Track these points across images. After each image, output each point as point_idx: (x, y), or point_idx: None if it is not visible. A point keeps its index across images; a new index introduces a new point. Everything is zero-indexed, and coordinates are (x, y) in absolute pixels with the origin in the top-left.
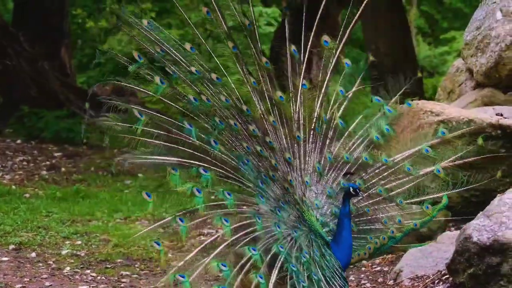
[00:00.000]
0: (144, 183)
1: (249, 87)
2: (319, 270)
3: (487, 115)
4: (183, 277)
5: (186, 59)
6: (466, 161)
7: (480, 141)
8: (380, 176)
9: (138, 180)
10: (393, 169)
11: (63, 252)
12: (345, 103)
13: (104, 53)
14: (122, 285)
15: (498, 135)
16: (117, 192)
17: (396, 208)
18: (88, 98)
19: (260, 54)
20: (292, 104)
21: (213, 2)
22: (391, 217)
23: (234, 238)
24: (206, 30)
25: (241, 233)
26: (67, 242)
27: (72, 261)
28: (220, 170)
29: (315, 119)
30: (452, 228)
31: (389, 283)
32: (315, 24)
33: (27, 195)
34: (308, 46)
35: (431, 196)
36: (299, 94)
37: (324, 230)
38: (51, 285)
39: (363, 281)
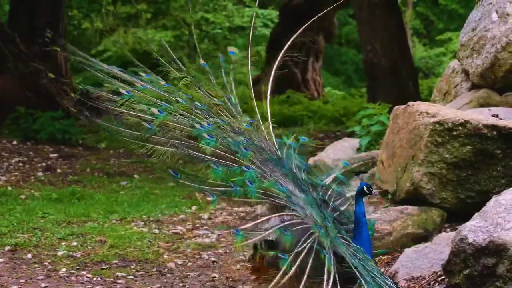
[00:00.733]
0: (140, 184)
1: None
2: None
3: (483, 116)
4: None
5: None
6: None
7: None
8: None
9: (134, 181)
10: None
11: (59, 253)
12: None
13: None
14: (118, 286)
15: (494, 136)
16: (113, 193)
17: None
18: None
19: None
20: None
21: None
22: None
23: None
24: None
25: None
26: (63, 243)
27: (68, 262)
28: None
29: None
30: (448, 229)
31: None
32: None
33: (23, 196)
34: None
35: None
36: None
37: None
38: (46, 286)
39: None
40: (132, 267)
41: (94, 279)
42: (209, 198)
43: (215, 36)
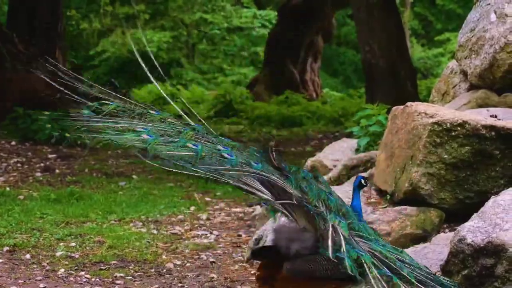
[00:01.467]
0: (138, 185)
1: None
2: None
3: (481, 116)
4: None
5: None
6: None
7: None
8: None
9: (132, 181)
10: None
11: (58, 254)
12: None
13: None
14: (116, 287)
15: (492, 136)
16: (111, 193)
17: None
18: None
19: None
20: None
21: None
22: None
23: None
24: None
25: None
26: (62, 243)
27: (67, 262)
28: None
29: None
30: (447, 230)
31: None
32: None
33: (21, 196)
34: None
35: None
36: None
37: None
38: (45, 286)
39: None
40: (130, 267)
41: (93, 279)
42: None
43: (214, 37)
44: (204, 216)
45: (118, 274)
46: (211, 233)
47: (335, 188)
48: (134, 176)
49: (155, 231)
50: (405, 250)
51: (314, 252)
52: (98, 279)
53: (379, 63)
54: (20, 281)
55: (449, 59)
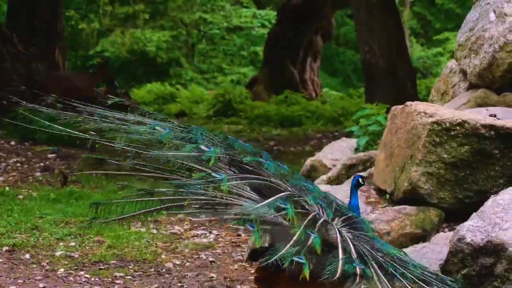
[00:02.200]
0: (138, 185)
1: None
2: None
3: (480, 116)
4: None
5: None
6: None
7: None
8: None
9: (132, 181)
10: None
11: (57, 254)
12: None
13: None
14: (116, 287)
15: (492, 136)
16: (111, 193)
17: None
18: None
19: None
20: None
21: None
22: None
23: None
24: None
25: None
26: (61, 243)
27: (66, 262)
28: None
29: None
30: (446, 229)
31: None
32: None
33: (21, 196)
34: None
35: None
36: None
37: None
38: (45, 286)
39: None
40: (130, 267)
41: (92, 279)
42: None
43: (213, 36)
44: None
45: (117, 274)
46: (210, 232)
47: (334, 188)
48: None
49: (154, 231)
50: (405, 249)
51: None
52: (97, 279)
53: (379, 63)
54: (19, 280)
55: (449, 58)
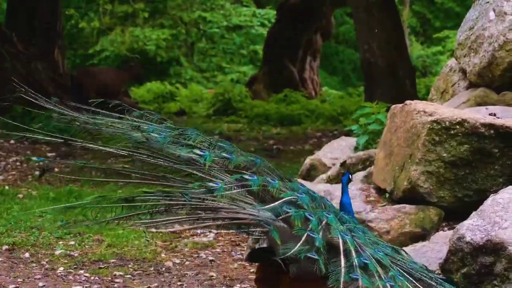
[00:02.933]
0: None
1: None
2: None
3: (480, 115)
4: None
5: None
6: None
7: None
8: None
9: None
10: None
11: (57, 253)
12: None
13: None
14: (115, 286)
15: (491, 135)
16: (110, 192)
17: None
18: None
19: None
20: None
21: None
22: None
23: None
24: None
25: None
26: (61, 242)
27: (66, 261)
28: None
29: None
30: (446, 228)
31: None
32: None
33: (20, 195)
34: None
35: None
36: None
37: None
38: (44, 285)
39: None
40: (129, 266)
41: (92, 278)
42: None
43: (213, 35)
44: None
45: (117, 273)
46: (210, 231)
47: (333, 187)
48: (133, 175)
49: (154, 230)
50: (404, 248)
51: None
52: (97, 278)
53: (378, 62)
54: (19, 279)
55: (448, 57)
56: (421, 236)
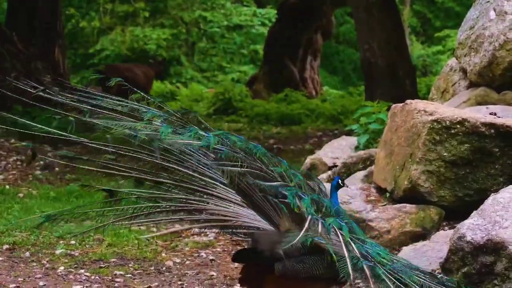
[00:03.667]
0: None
1: None
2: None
3: (480, 114)
4: None
5: None
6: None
7: None
8: None
9: (132, 179)
10: None
11: (57, 252)
12: None
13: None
14: (116, 285)
15: (492, 134)
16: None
17: None
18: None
19: None
20: None
21: None
22: None
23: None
24: (200, 30)
25: None
26: (61, 241)
27: (66, 260)
28: None
29: None
30: (446, 228)
31: None
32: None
33: (21, 195)
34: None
35: None
36: None
37: None
38: (45, 284)
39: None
40: (130, 265)
41: (92, 277)
42: None
43: (213, 35)
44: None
45: (117, 272)
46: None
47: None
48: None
49: (154, 229)
50: (405, 248)
51: (303, 253)
52: (97, 277)
53: (378, 62)
54: (19, 279)
55: (449, 56)
56: (422, 235)
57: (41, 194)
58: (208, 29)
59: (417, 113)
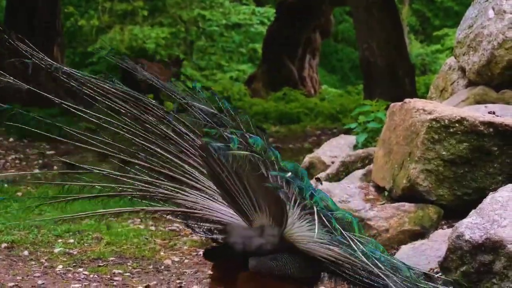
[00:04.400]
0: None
1: None
2: None
3: (479, 113)
4: None
5: None
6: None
7: None
8: None
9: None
10: None
11: (56, 251)
12: None
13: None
14: (114, 283)
15: (491, 133)
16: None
17: None
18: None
19: None
20: None
21: None
22: None
23: None
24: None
25: None
26: (60, 240)
27: (65, 259)
28: None
29: None
30: (445, 226)
31: None
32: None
33: (20, 193)
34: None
35: None
36: None
37: None
38: (43, 283)
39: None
40: (128, 264)
41: (91, 276)
42: None
43: (212, 33)
44: None
45: (116, 271)
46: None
47: (333, 185)
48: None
49: (153, 228)
50: (404, 246)
51: (277, 249)
52: (96, 276)
53: (377, 62)
54: (18, 277)
55: (447, 55)
56: (420, 234)
57: (39, 193)
58: (206, 27)
59: (415, 112)
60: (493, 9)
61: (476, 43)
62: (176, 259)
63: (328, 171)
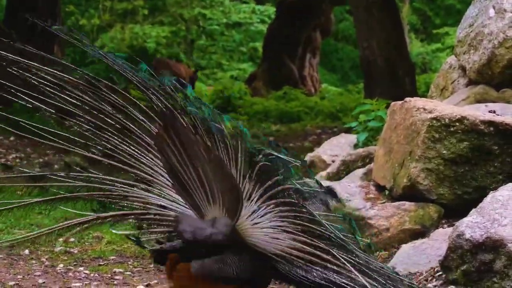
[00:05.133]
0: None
1: None
2: None
3: (479, 112)
4: None
5: None
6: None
7: None
8: None
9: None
10: None
11: (56, 250)
12: None
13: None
14: (115, 282)
15: (491, 132)
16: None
17: None
18: None
19: None
20: None
21: None
22: None
23: None
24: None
25: None
26: (60, 239)
27: (65, 258)
28: None
29: None
30: (445, 225)
31: None
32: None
33: (20, 192)
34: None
35: None
36: None
37: None
38: (44, 282)
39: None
40: (129, 263)
41: (92, 275)
42: None
43: (212, 32)
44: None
45: (117, 270)
46: None
47: (333, 184)
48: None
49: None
50: (404, 245)
51: (229, 241)
52: (97, 275)
53: (378, 61)
54: (19, 276)
55: (448, 54)
56: (421, 233)
57: (40, 192)
58: (207, 26)
59: (416, 111)
60: (494, 8)
61: (476, 42)
62: None
63: (329, 170)
